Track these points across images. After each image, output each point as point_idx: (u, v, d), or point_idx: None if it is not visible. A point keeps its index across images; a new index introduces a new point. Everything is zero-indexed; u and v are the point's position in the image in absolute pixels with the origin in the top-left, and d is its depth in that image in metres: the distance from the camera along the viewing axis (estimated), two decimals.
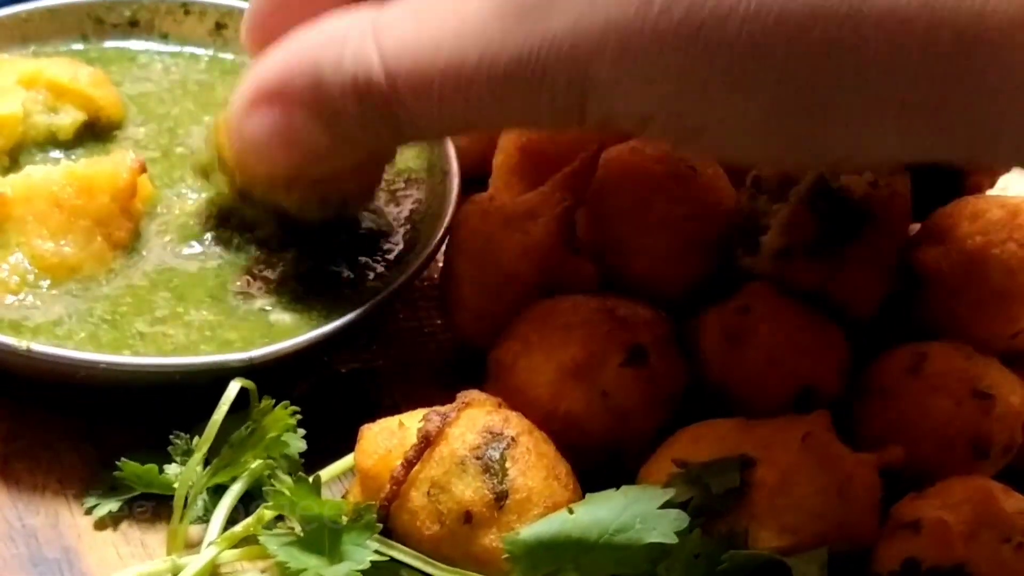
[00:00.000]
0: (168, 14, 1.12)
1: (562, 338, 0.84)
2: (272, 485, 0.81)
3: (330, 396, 0.92)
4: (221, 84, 1.10)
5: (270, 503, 0.79)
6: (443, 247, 0.95)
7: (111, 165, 0.91)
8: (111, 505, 0.85)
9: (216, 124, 0.90)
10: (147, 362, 0.84)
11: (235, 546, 0.81)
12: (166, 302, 0.90)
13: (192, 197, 0.98)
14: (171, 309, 0.90)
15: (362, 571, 0.75)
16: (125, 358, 0.84)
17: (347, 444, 0.83)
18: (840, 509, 0.78)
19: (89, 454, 0.88)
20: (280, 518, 0.82)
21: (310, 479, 0.78)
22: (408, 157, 1.05)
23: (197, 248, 0.94)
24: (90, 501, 0.86)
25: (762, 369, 0.86)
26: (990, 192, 0.98)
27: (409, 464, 0.78)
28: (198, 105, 1.07)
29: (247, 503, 0.83)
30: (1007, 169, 0.99)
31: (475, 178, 1.04)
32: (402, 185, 1.03)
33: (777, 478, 0.78)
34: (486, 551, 0.76)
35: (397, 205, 1.01)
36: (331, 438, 0.86)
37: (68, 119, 1.00)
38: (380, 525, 0.78)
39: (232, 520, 0.82)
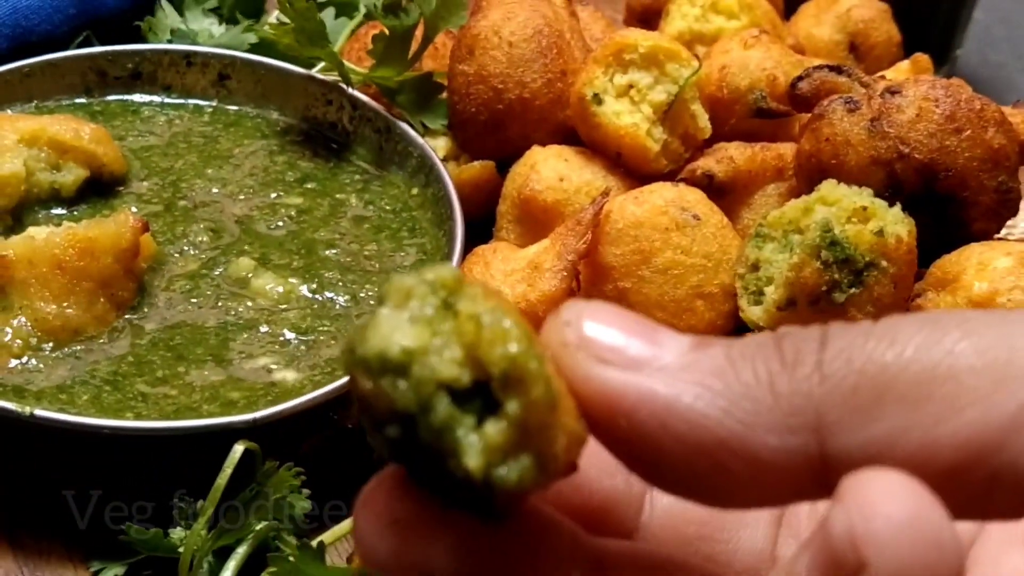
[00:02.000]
0: (171, 66, 1.12)
1: None
2: (277, 547, 0.81)
3: (338, 453, 0.92)
4: (225, 136, 1.10)
5: (273, 569, 0.78)
6: None
7: (114, 226, 0.91)
8: (117, 569, 0.84)
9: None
10: (149, 426, 0.83)
11: None
12: (167, 362, 0.90)
13: (194, 252, 0.98)
14: (172, 369, 0.89)
15: None
16: (127, 422, 0.84)
17: (355, 502, 0.83)
18: None
19: (95, 518, 0.87)
20: None
21: (314, 544, 0.78)
22: (412, 205, 1.05)
23: (199, 305, 0.94)
24: (96, 565, 0.85)
25: None
26: (997, 237, 0.97)
27: None
28: (201, 158, 1.07)
29: (253, 565, 0.82)
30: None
31: (477, 221, 1.03)
32: (406, 234, 1.03)
33: None
34: None
35: (402, 253, 1.01)
36: (339, 496, 0.86)
37: (71, 176, 1.00)
38: None
39: None
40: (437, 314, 0.36)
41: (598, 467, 0.45)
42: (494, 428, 0.35)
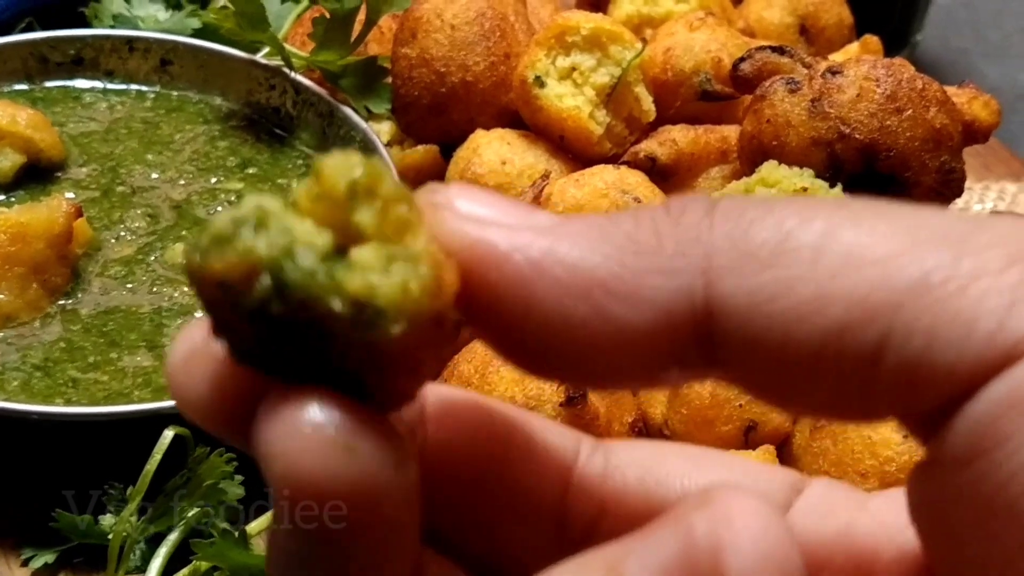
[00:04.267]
0: (113, 51, 1.11)
1: (502, 377, 0.82)
2: (210, 534, 0.80)
3: None
4: (166, 122, 1.09)
5: (199, 555, 0.77)
6: None
7: (46, 211, 0.90)
8: (47, 556, 0.84)
9: None
10: (78, 411, 0.83)
11: None
12: (99, 347, 0.89)
13: (130, 237, 0.97)
14: (104, 355, 0.88)
15: None
16: (56, 408, 0.83)
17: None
18: None
19: (25, 505, 0.86)
20: (218, 567, 0.80)
21: (236, 532, 0.77)
22: None
23: (133, 291, 0.93)
24: (27, 552, 0.84)
25: (706, 406, 0.84)
26: None
27: None
28: (142, 144, 1.06)
29: (185, 552, 0.82)
30: None
31: None
32: None
33: None
34: None
35: None
36: None
37: (7, 162, 0.99)
38: None
39: (170, 569, 0.81)
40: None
41: None
42: (359, 252, 0.32)
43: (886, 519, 0.39)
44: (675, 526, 0.32)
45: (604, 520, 0.40)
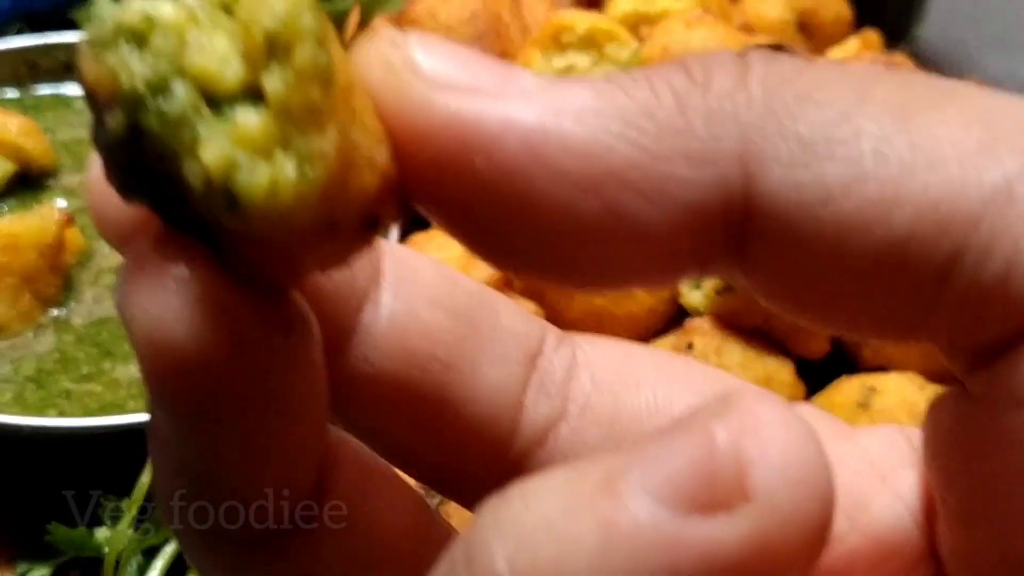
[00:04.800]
0: None
1: None
2: None
3: None
4: None
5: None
6: None
7: (38, 220, 0.89)
8: (43, 570, 0.83)
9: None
10: (71, 424, 0.82)
11: None
12: (92, 358, 0.88)
13: None
14: (97, 365, 0.88)
15: None
16: (49, 421, 0.82)
17: None
18: None
19: (20, 519, 0.85)
20: None
21: None
22: None
23: None
24: (22, 567, 0.84)
25: None
26: None
27: None
28: None
29: (182, 563, 0.81)
30: None
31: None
32: None
33: None
34: None
35: None
36: None
37: None
38: None
39: None
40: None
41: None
42: (245, 115, 0.25)
43: (878, 457, 0.35)
44: (690, 434, 0.25)
45: (562, 425, 0.36)
